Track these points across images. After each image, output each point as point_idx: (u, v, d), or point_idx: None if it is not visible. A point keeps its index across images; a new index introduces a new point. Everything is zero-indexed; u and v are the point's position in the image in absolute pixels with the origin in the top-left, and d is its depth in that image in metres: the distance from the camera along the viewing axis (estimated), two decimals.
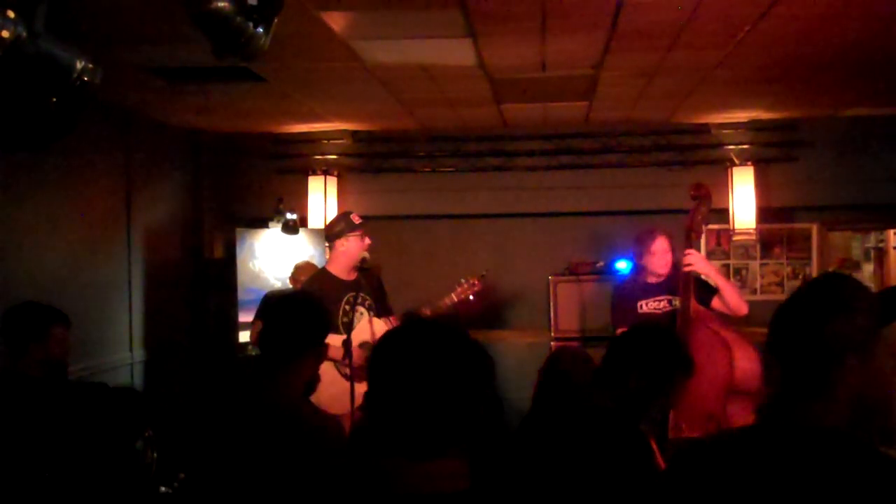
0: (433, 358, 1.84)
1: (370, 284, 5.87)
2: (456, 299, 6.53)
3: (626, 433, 3.26)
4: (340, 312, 5.69)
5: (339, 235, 5.85)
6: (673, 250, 5.83)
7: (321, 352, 3.47)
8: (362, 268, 5.78)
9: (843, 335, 1.97)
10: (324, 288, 5.71)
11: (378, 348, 1.92)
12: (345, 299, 5.76)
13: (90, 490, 3.36)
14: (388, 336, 1.95)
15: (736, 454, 2.01)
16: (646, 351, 3.45)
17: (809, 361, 2.00)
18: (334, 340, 5.36)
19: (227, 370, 8.58)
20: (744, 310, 5.64)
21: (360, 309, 5.80)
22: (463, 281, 6.57)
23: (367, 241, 5.86)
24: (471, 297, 6.46)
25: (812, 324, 2.01)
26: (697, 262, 5.56)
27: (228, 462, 3.09)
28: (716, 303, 5.64)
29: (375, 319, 5.81)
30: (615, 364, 3.47)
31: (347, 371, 5.42)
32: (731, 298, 5.61)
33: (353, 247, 5.82)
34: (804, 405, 2.00)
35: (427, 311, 6.36)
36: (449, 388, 1.82)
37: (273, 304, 4.42)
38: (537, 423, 3.77)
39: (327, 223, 6.09)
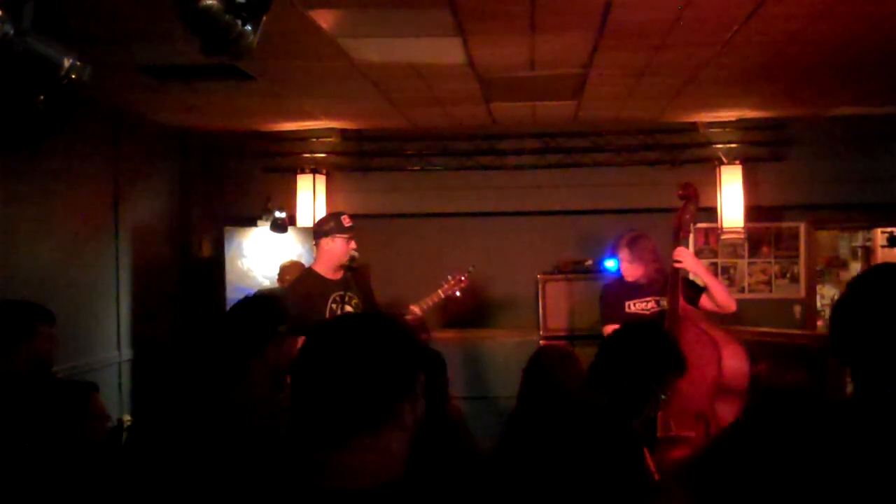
0: (350, 346, 1.86)
1: (358, 283, 5.87)
2: (443, 295, 6.52)
3: (615, 431, 3.25)
4: (328, 311, 5.69)
5: (325, 234, 5.84)
6: (642, 257, 5.88)
7: (282, 344, 3.46)
8: (350, 267, 5.79)
9: None
10: (310, 287, 5.74)
11: (305, 342, 1.94)
12: (332, 298, 5.75)
13: (80, 487, 3.35)
14: (316, 328, 1.97)
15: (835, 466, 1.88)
16: (638, 349, 3.45)
17: (888, 361, 1.91)
18: None
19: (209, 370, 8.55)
20: (733, 306, 5.67)
21: (348, 308, 5.79)
22: (450, 277, 6.57)
23: (353, 244, 5.82)
24: (457, 293, 6.45)
25: (885, 322, 1.91)
26: (686, 259, 5.58)
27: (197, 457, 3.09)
28: (704, 301, 5.66)
29: None
30: (608, 363, 3.46)
31: None
32: (720, 295, 5.63)
33: (337, 247, 5.80)
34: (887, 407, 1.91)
35: (414, 308, 6.35)
36: (359, 373, 1.83)
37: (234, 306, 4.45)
38: (522, 422, 3.77)
39: (318, 219, 6.08)
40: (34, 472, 3.52)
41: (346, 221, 5.84)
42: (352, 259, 5.82)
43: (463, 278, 6.54)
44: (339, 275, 5.83)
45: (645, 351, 3.45)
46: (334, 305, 5.74)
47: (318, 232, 5.96)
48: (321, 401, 1.83)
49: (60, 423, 3.60)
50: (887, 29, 5.27)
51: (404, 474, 1.87)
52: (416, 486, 1.85)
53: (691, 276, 5.77)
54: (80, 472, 3.38)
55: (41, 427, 3.68)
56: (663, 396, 3.47)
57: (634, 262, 5.87)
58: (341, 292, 5.79)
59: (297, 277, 6.28)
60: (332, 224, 5.86)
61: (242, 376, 3.25)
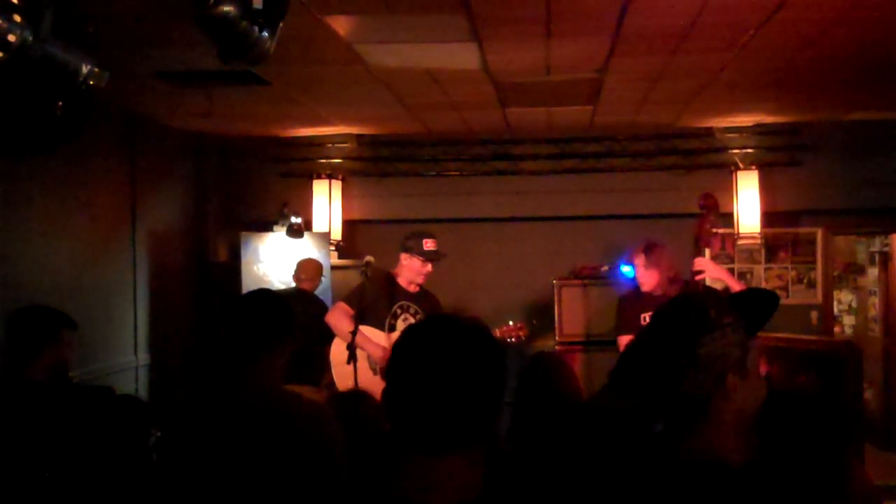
0: (449, 352, 1.75)
1: (427, 304, 6.15)
2: (499, 335, 6.49)
3: (631, 435, 3.23)
4: (390, 315, 6.01)
5: (406, 250, 6.14)
6: (658, 264, 5.88)
7: (289, 343, 3.48)
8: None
9: (718, 355, 1.89)
10: (383, 288, 6.10)
11: (398, 342, 1.84)
12: (399, 304, 6.08)
13: (103, 496, 3.36)
14: (408, 330, 1.87)
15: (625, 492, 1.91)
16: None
17: (689, 388, 1.91)
18: (376, 336, 5.93)
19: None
20: None
21: (407, 316, 6.07)
22: (511, 322, 6.55)
23: (429, 267, 6.11)
24: (512, 339, 6.44)
25: (684, 349, 1.92)
26: (708, 268, 5.60)
27: (218, 456, 3.08)
28: None
29: None
30: (633, 367, 3.39)
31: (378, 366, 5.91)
32: None
33: (413, 266, 6.10)
34: (691, 434, 1.92)
35: None
36: (461, 383, 1.73)
37: (238, 301, 4.48)
38: (521, 429, 3.76)
39: (408, 232, 6.30)
40: (58, 475, 3.54)
41: (428, 245, 6.09)
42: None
43: (521, 326, 6.51)
44: (413, 288, 6.15)
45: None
46: (399, 310, 6.06)
47: (402, 244, 6.20)
48: (427, 407, 1.72)
49: (84, 428, 3.62)
50: None
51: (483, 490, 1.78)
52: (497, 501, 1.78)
53: (708, 282, 5.77)
54: (108, 476, 3.40)
55: (68, 432, 3.71)
56: None
57: (650, 269, 5.89)
58: (409, 303, 6.10)
59: (380, 275, 6.41)
60: (413, 242, 6.12)
61: (264, 374, 3.25)
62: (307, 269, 7.87)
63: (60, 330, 4.51)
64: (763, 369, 4.77)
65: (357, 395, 4.25)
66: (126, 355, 7.60)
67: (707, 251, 5.81)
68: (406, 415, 1.75)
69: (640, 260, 5.95)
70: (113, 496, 3.34)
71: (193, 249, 9.04)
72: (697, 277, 5.53)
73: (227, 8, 3.14)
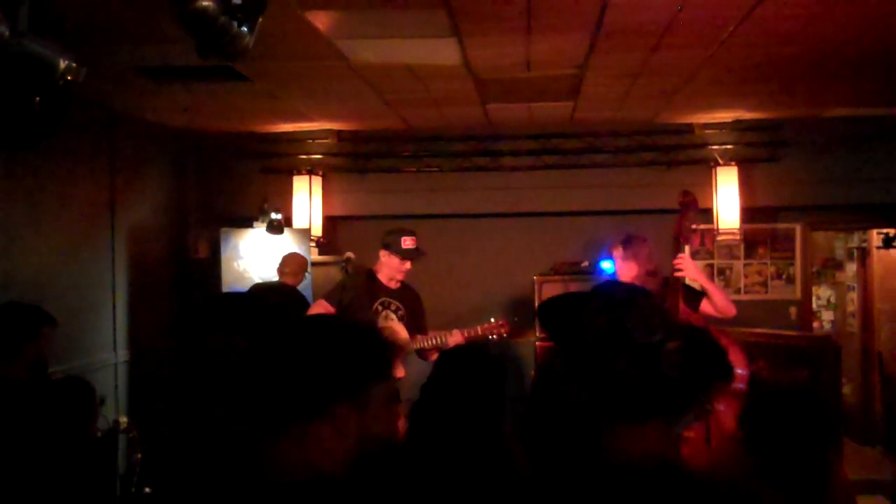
0: (297, 344, 1.97)
1: (409, 300, 6.20)
2: (480, 332, 6.50)
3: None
4: (371, 312, 6.01)
5: (385, 247, 6.14)
6: (637, 256, 5.90)
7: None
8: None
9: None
10: (363, 284, 6.11)
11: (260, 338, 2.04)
12: (380, 300, 6.09)
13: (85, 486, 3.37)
14: (277, 326, 2.11)
15: None
16: (687, 356, 3.33)
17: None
18: None
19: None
20: (732, 312, 5.73)
21: (388, 313, 6.09)
22: (493, 319, 6.56)
23: (408, 266, 6.11)
24: (494, 336, 6.45)
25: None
26: (688, 266, 5.62)
27: None
28: (704, 306, 5.71)
29: (396, 324, 6.04)
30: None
31: None
32: (720, 301, 5.71)
33: (392, 263, 6.10)
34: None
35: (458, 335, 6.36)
36: (296, 368, 1.91)
37: None
38: (533, 422, 3.75)
39: (389, 228, 6.30)
40: (41, 470, 3.54)
41: (406, 243, 6.09)
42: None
43: (503, 323, 6.52)
44: (394, 284, 6.15)
45: (691, 357, 3.34)
46: (380, 307, 6.07)
47: (383, 241, 6.19)
48: (261, 392, 1.92)
49: (65, 422, 3.62)
50: (882, 30, 5.28)
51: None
52: (348, 485, 1.89)
53: (688, 281, 5.79)
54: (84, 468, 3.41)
55: (46, 427, 3.70)
56: (708, 405, 3.40)
57: (628, 261, 5.89)
58: (390, 299, 6.11)
59: (360, 272, 6.47)
60: (392, 240, 6.11)
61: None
62: (291, 264, 7.85)
63: (41, 327, 4.49)
64: (748, 366, 4.77)
65: None
66: (105, 352, 7.56)
67: (687, 248, 5.83)
68: (247, 400, 1.99)
69: (618, 252, 5.97)
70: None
71: (173, 245, 9.00)
72: (677, 275, 5.55)
73: (205, 3, 3.13)
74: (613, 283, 2.00)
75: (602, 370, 2.17)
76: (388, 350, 2.03)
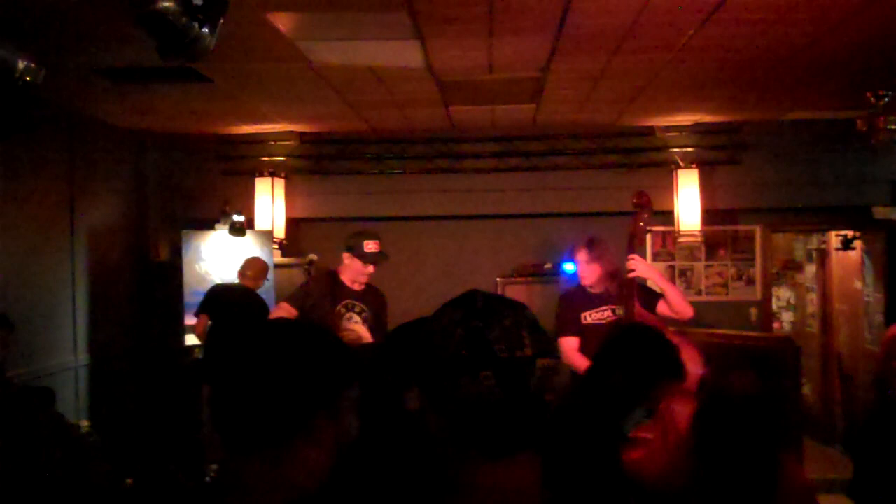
0: (265, 355, 1.77)
1: (373, 302, 6.18)
2: None
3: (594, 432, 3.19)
4: (334, 315, 6.00)
5: (348, 249, 6.10)
6: (600, 258, 5.90)
7: None
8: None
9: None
10: (327, 287, 6.08)
11: (228, 349, 1.86)
12: (344, 303, 6.06)
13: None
14: (240, 335, 1.87)
15: None
16: (634, 352, 3.34)
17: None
18: None
19: (172, 373, 8.52)
20: (689, 312, 5.73)
21: (352, 315, 6.07)
22: None
23: (371, 269, 6.08)
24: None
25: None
26: (640, 267, 5.65)
27: None
28: (661, 307, 5.71)
29: (359, 327, 6.01)
30: (604, 364, 3.36)
31: None
32: (676, 301, 5.69)
33: (355, 266, 6.07)
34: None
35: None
36: (269, 383, 1.73)
37: None
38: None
39: (353, 231, 6.27)
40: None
41: (369, 247, 6.05)
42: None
43: None
44: (358, 286, 6.13)
45: (640, 354, 3.34)
46: (343, 309, 6.05)
47: (346, 244, 6.16)
48: (233, 410, 1.74)
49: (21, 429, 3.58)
50: (840, 35, 5.34)
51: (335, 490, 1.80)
52: (327, 499, 1.81)
53: (649, 283, 5.83)
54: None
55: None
56: (655, 403, 3.40)
57: (592, 263, 5.90)
58: (354, 301, 6.10)
59: (323, 274, 6.42)
60: (354, 242, 6.08)
61: None
62: (254, 268, 7.84)
63: None
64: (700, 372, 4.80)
65: None
66: (65, 356, 7.49)
67: (643, 248, 5.87)
68: (219, 419, 1.76)
69: (582, 254, 5.97)
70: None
71: (134, 247, 8.94)
72: (630, 275, 5.59)
73: (166, 4, 3.12)
74: (474, 293, 1.87)
75: (462, 392, 1.97)
76: (354, 353, 1.93)
